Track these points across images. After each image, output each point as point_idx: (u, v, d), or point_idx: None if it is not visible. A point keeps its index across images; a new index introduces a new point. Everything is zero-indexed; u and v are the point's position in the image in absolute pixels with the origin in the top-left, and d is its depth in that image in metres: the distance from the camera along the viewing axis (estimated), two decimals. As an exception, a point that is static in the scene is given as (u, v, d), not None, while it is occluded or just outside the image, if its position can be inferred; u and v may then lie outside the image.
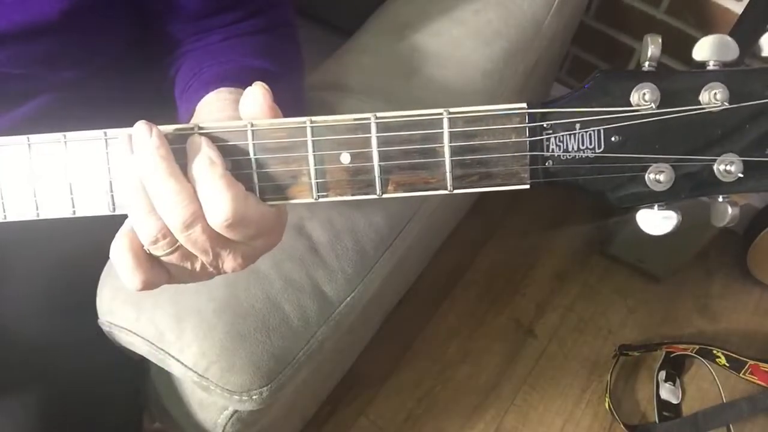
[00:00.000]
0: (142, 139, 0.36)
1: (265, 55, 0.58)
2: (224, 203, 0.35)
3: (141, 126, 0.36)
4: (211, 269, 0.39)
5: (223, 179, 0.36)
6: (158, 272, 0.39)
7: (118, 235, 0.38)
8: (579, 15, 1.25)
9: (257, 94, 0.37)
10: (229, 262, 0.39)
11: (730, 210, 0.36)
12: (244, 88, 0.51)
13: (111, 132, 0.38)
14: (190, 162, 0.36)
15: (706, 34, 0.36)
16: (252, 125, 0.37)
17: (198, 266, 0.39)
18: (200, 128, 0.37)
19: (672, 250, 1.35)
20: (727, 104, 0.35)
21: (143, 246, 0.38)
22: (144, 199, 0.36)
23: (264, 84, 0.38)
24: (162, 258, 0.38)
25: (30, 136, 0.39)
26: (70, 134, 0.39)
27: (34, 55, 0.54)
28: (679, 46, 1.04)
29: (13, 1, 0.50)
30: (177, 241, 0.37)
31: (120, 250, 0.38)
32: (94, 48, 0.57)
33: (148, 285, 0.38)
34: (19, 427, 0.62)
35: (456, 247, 1.41)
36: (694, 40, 0.35)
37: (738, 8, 1.16)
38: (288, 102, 0.45)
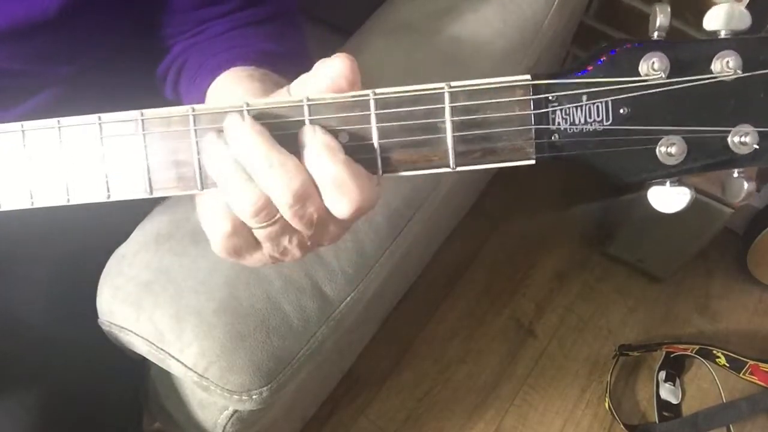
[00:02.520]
0: (235, 121, 0.35)
1: (272, 40, 0.58)
2: (352, 192, 0.34)
3: (231, 113, 0.35)
4: (309, 243, 0.38)
5: (346, 165, 0.34)
6: (251, 240, 0.37)
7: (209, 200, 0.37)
8: (579, 15, 1.25)
9: (343, 67, 0.35)
10: (329, 236, 0.38)
11: (746, 185, 0.34)
12: (254, 67, 0.51)
13: (105, 117, 0.38)
14: (306, 149, 0.35)
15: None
16: (247, 105, 0.36)
17: (294, 242, 0.38)
18: (194, 110, 0.36)
19: (672, 250, 1.35)
20: (740, 72, 0.33)
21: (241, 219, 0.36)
22: (241, 171, 0.35)
23: (350, 56, 0.36)
24: (258, 230, 0.37)
25: (24, 123, 0.38)
26: (64, 120, 0.38)
27: (33, 51, 0.54)
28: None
29: None
30: (277, 212, 0.36)
31: (216, 215, 0.36)
32: (93, 43, 0.57)
33: (237, 251, 0.37)
34: (19, 427, 0.62)
35: (456, 247, 1.41)
36: (695, 40, 0.35)
37: (738, 8, 1.16)
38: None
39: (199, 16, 0.59)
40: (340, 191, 0.35)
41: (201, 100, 0.52)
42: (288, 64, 0.55)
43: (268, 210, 0.35)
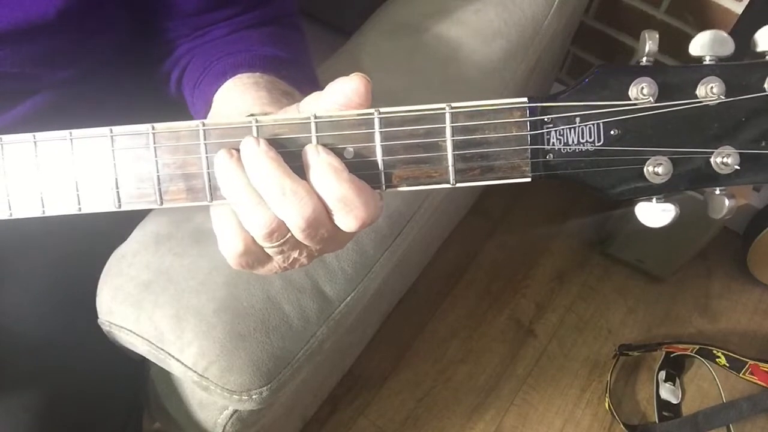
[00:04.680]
0: (251, 146, 0.36)
1: (275, 43, 0.58)
2: (358, 209, 0.36)
3: (248, 137, 0.37)
4: (317, 254, 0.40)
5: (351, 183, 0.36)
6: (262, 255, 0.39)
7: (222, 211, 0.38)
8: (579, 15, 1.25)
9: (359, 84, 0.36)
10: (336, 246, 0.40)
11: (727, 202, 0.37)
12: (260, 73, 0.51)
13: (117, 129, 0.38)
14: (311, 169, 0.36)
15: (705, 34, 0.36)
16: (256, 121, 0.37)
17: (303, 254, 0.39)
18: (204, 125, 0.37)
19: (672, 250, 1.35)
20: (723, 98, 0.35)
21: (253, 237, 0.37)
22: (254, 194, 0.36)
23: (365, 76, 0.37)
24: (270, 249, 0.38)
25: (36, 133, 0.39)
26: (76, 131, 0.39)
27: (31, 55, 0.54)
28: (679, 46, 1.04)
29: (11, 1, 0.50)
30: (288, 232, 0.37)
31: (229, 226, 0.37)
32: (91, 47, 0.57)
33: (249, 265, 0.39)
34: (19, 428, 0.62)
35: (456, 247, 1.41)
36: (694, 41, 0.36)
37: (738, 8, 1.16)
38: (305, 85, 0.45)
39: (202, 21, 0.59)
40: (347, 209, 0.36)
41: (207, 106, 0.52)
42: (293, 69, 0.55)
43: (280, 232, 0.37)
